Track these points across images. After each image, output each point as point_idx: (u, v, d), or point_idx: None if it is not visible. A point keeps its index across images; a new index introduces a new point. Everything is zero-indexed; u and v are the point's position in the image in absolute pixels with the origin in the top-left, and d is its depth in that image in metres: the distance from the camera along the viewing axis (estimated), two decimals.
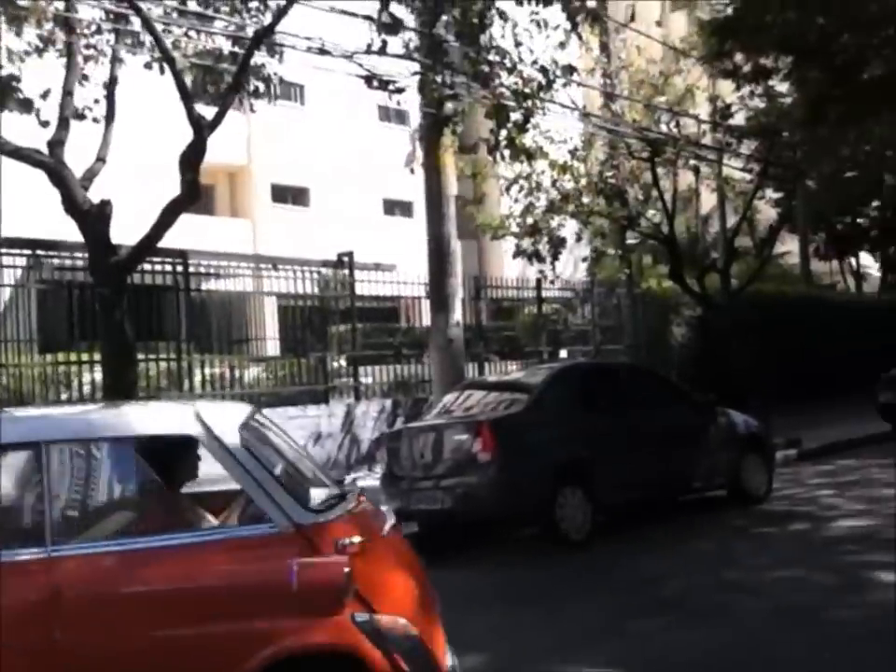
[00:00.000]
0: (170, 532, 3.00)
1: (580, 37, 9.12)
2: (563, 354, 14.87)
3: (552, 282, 14.61)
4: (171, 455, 3.29)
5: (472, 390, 8.97)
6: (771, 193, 23.82)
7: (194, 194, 7.11)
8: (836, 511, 8.04)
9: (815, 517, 7.86)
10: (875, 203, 29.67)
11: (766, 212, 26.66)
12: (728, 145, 14.13)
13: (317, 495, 3.25)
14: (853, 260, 31.43)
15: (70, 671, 2.73)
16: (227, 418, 3.21)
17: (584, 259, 15.77)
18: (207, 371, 10.72)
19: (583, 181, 13.01)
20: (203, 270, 11.45)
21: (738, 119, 14.16)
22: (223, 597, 2.84)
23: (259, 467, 3.00)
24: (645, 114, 13.15)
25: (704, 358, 15.49)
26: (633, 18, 12.77)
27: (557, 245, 13.76)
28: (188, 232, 9.86)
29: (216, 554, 2.90)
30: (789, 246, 29.06)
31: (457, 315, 10.61)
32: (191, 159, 6.93)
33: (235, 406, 4.28)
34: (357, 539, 2.92)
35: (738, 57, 12.69)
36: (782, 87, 14.26)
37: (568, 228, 14.70)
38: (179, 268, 10.42)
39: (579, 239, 14.94)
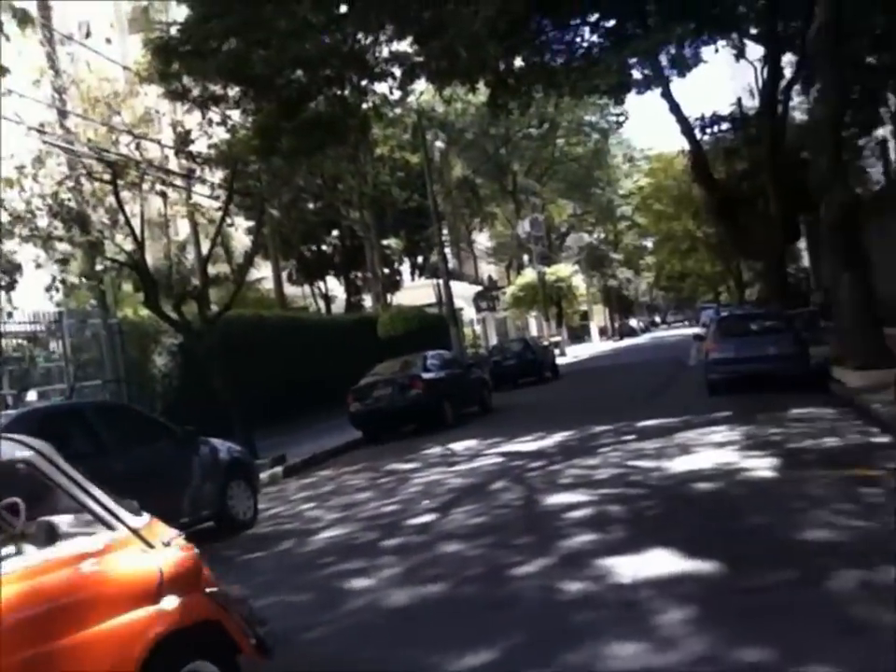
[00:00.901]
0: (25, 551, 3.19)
1: (6, 38, 8.04)
2: (31, 396, 13.10)
3: (10, 314, 12.87)
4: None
5: None
6: (244, 221, 24.74)
7: None
8: (318, 524, 8.44)
9: (299, 533, 8.15)
10: (335, 233, 33.09)
11: (243, 239, 27.68)
12: (193, 171, 14.10)
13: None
14: (322, 284, 34.52)
15: None
16: (45, 445, 3.40)
17: (47, 289, 14.17)
18: None
19: (37, 202, 11.62)
20: None
21: (203, 145, 14.22)
22: (100, 599, 3.12)
23: (88, 483, 3.37)
24: (103, 134, 12.31)
25: (187, 387, 15.23)
26: (88, 34, 11.84)
27: (12, 272, 12.12)
28: None
29: (79, 564, 3.12)
30: (265, 272, 30.64)
31: None
32: None
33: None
34: (173, 534, 3.58)
35: (189, 81, 12.72)
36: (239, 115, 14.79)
37: (30, 253, 13.06)
38: None
39: (39, 266, 13.34)
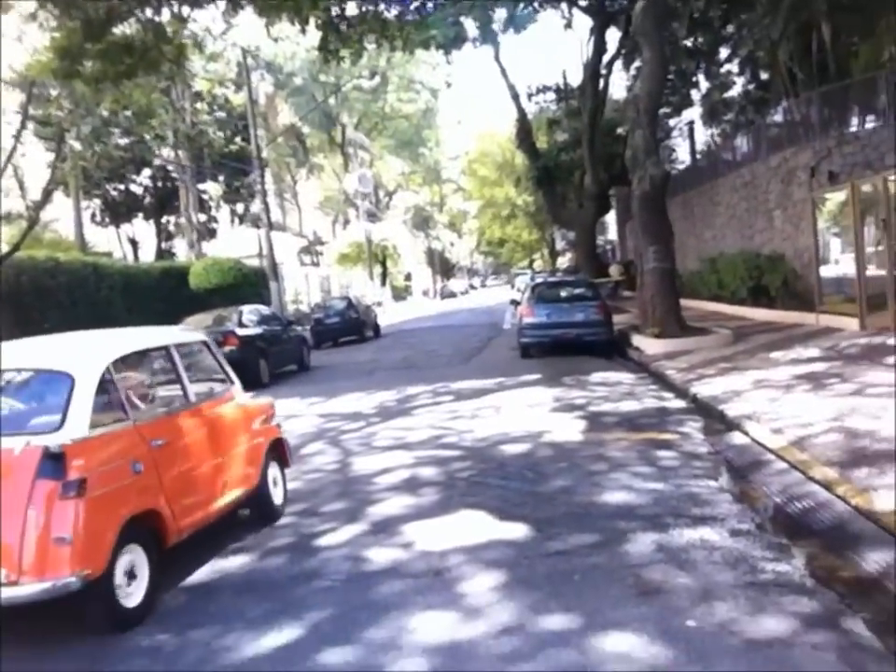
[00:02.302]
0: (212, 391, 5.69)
1: None
2: None
3: None
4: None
5: None
6: (43, 154, 22.43)
7: None
8: None
9: None
10: (147, 172, 30.79)
11: (40, 174, 25.07)
12: None
13: None
14: (129, 228, 32.10)
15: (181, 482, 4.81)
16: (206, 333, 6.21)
17: None
18: None
19: None
20: None
21: None
22: (251, 416, 5.86)
23: (223, 357, 6.07)
24: None
25: None
26: None
27: None
28: None
29: (229, 404, 5.66)
30: (64, 213, 27.98)
31: None
32: None
33: None
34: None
35: None
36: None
37: None
38: None
39: None
